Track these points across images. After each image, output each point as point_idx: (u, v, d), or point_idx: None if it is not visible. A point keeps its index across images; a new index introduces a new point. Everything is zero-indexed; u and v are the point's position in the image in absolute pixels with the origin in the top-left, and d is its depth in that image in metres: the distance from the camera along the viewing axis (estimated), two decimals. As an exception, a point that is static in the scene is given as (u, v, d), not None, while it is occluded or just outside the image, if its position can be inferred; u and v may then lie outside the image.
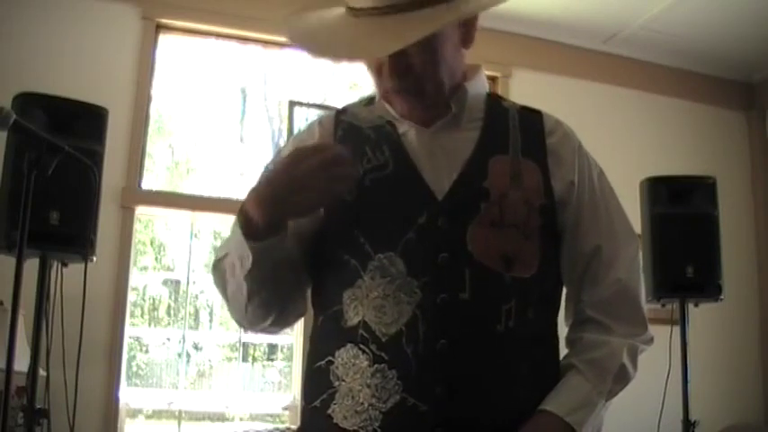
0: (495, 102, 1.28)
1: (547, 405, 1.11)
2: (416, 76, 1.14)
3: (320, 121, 1.29)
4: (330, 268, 1.18)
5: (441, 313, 1.08)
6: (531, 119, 1.26)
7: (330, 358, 1.13)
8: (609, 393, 1.15)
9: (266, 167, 1.28)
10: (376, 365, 1.08)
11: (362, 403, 1.08)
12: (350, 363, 1.10)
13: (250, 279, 1.12)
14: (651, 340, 1.22)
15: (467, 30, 1.20)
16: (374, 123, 1.23)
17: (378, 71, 1.17)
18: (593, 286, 1.21)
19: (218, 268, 1.20)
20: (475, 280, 1.09)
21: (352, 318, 1.12)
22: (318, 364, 1.15)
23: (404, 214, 1.13)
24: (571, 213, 1.21)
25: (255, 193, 1.10)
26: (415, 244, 1.11)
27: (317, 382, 1.15)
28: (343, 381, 1.10)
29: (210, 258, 4.47)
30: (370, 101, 1.28)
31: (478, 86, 1.26)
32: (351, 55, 1.21)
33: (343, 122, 1.26)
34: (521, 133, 1.22)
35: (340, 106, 1.32)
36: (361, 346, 1.10)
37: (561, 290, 1.25)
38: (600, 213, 1.23)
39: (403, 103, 1.20)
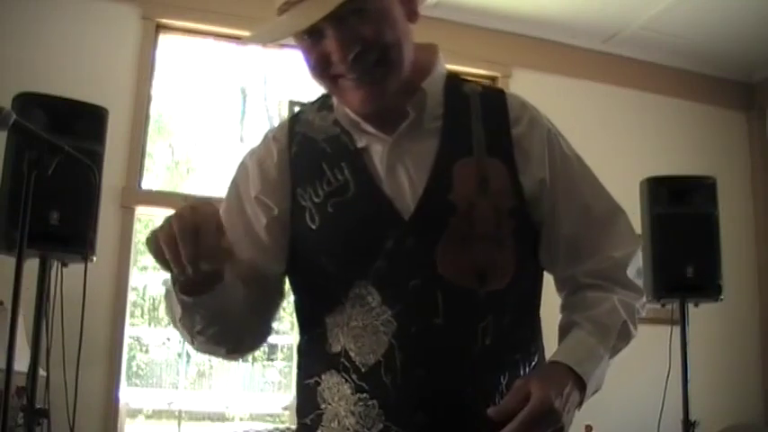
0: (455, 88, 1.19)
1: (555, 357, 1.09)
2: (371, 47, 1.05)
3: (274, 136, 1.21)
4: (310, 293, 1.16)
5: (416, 342, 1.06)
6: (495, 104, 1.18)
7: (317, 379, 1.13)
8: (613, 349, 1.12)
9: (234, 185, 1.21)
10: (358, 394, 1.07)
11: (348, 429, 1.08)
12: (335, 388, 1.10)
13: (183, 325, 1.07)
14: (644, 307, 1.19)
15: (408, 3, 1.11)
16: (329, 134, 1.16)
17: (324, 60, 1.06)
18: (584, 262, 1.18)
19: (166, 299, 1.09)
20: (448, 303, 1.06)
21: (335, 345, 1.11)
22: (307, 382, 1.15)
23: (371, 240, 1.09)
24: (545, 207, 1.16)
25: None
26: (386, 272, 1.07)
27: (307, 399, 1.15)
28: (330, 404, 1.10)
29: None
30: (324, 104, 1.20)
31: (436, 75, 1.17)
32: (279, 34, 1.08)
33: (297, 135, 1.18)
34: (484, 126, 1.15)
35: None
36: (344, 374, 1.09)
37: (540, 285, 1.22)
38: (577, 202, 1.18)
39: (359, 92, 1.07)
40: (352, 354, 1.08)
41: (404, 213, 1.09)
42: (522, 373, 1.12)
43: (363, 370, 1.07)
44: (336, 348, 1.10)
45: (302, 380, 1.17)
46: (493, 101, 1.19)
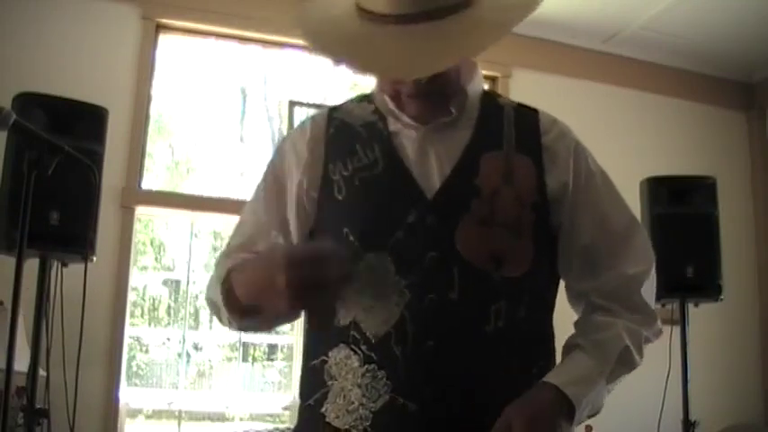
0: (490, 99, 1.27)
1: (547, 378, 1.10)
2: (442, 80, 1.13)
3: (313, 118, 1.29)
4: None
5: (429, 314, 1.07)
6: (527, 116, 1.24)
7: (324, 357, 1.14)
8: (611, 374, 1.13)
9: (268, 167, 1.29)
10: (366, 366, 1.08)
11: (353, 402, 1.09)
12: (342, 363, 1.11)
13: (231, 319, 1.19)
14: (659, 332, 1.21)
15: None
16: (366, 121, 1.22)
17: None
18: (598, 278, 1.20)
19: (214, 303, 1.21)
20: (463, 280, 1.08)
21: (344, 318, 1.12)
22: (313, 363, 1.16)
23: (393, 213, 1.13)
24: (566, 213, 1.19)
25: (243, 281, 1.11)
26: (404, 243, 1.10)
27: (312, 380, 1.16)
28: (336, 380, 1.11)
29: (210, 258, 4.45)
30: (365, 98, 1.27)
31: (476, 85, 1.25)
32: (393, 73, 1.15)
33: (335, 120, 1.25)
34: (516, 130, 1.20)
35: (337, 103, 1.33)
36: (353, 346, 1.10)
37: (557, 287, 1.24)
38: (597, 213, 1.21)
39: (418, 105, 1.17)
40: (362, 325, 1.10)
41: (428, 193, 1.14)
42: (533, 370, 1.13)
43: (373, 341, 1.09)
44: (346, 321, 1.12)
45: (308, 362, 1.18)
46: (526, 114, 1.25)
